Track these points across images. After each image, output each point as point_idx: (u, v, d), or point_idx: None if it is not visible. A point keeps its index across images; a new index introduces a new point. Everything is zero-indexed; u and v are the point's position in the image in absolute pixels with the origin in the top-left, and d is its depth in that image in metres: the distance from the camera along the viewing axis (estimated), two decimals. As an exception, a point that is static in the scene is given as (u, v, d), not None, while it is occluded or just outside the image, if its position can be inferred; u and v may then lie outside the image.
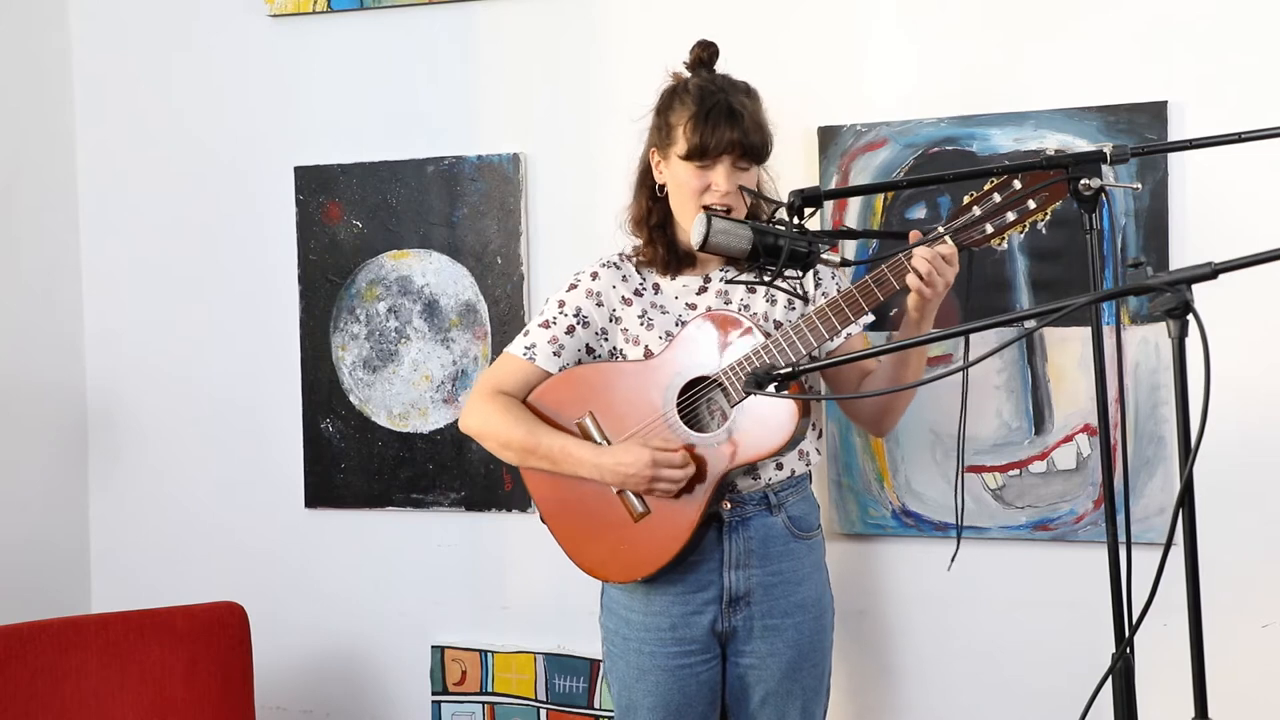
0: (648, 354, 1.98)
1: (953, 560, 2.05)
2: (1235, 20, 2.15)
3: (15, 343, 2.78)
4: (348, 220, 2.70)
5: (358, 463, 2.72)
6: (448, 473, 2.66)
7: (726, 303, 2.00)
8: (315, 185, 2.71)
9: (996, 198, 1.77)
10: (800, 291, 1.99)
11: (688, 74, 1.99)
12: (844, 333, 1.92)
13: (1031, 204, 1.75)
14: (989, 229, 1.79)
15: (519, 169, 2.57)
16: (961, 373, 1.95)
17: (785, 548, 1.98)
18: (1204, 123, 2.14)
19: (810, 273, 2.03)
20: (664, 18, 2.48)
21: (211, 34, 2.79)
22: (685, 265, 2.04)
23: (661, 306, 2.02)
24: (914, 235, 1.84)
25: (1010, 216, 1.77)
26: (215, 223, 2.81)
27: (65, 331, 2.89)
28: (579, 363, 2.03)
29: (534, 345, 2.02)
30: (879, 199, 2.35)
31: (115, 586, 2.91)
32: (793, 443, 1.90)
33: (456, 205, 2.62)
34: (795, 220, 1.78)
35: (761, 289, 1.99)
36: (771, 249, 1.77)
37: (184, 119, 2.82)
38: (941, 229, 1.80)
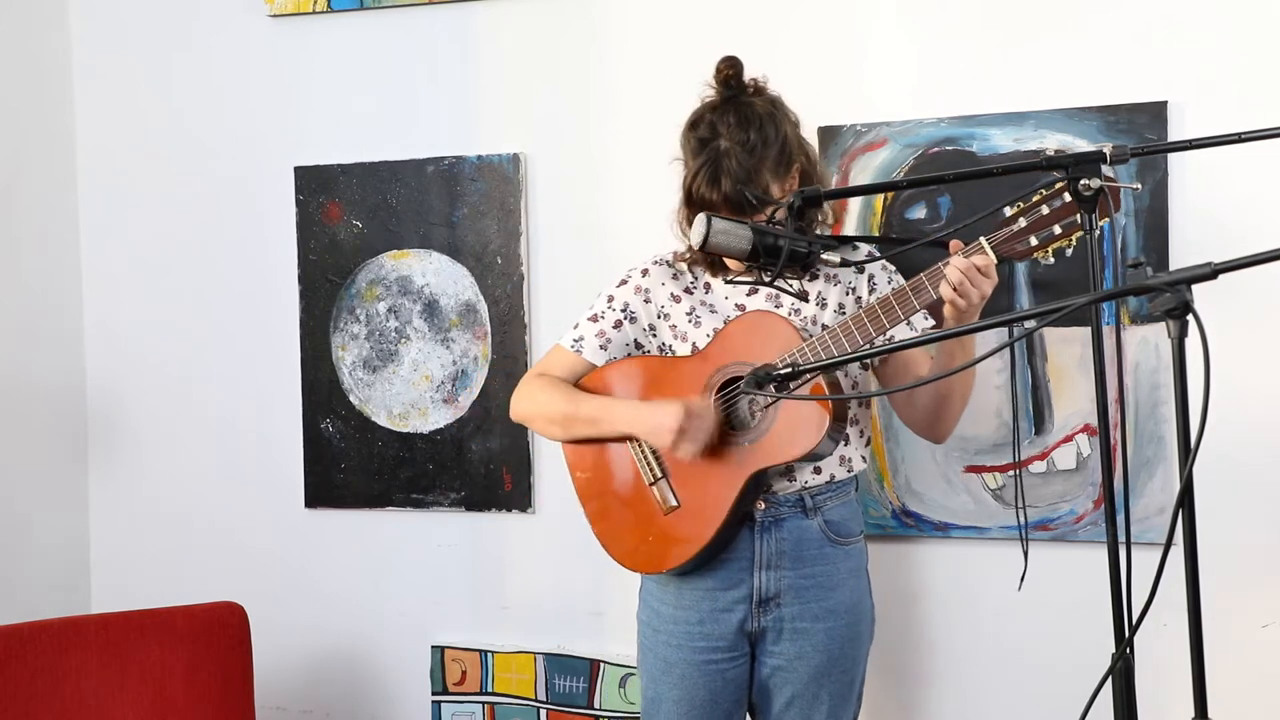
0: (694, 351, 2.00)
1: (1023, 575, 2.06)
2: (1235, 20, 2.15)
3: (15, 342, 2.77)
4: (348, 220, 2.70)
5: (358, 463, 2.72)
6: (448, 473, 2.65)
7: (777, 305, 2.00)
8: (315, 185, 2.71)
9: (1044, 209, 1.71)
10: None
11: (723, 90, 1.95)
12: (887, 338, 1.90)
13: (1078, 217, 1.67)
14: (1033, 241, 1.73)
15: (519, 169, 2.57)
16: (1009, 374, 1.96)
17: (819, 552, 1.98)
18: (1204, 123, 2.14)
19: (866, 277, 2.03)
20: (664, 18, 2.47)
21: (211, 34, 2.79)
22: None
23: (711, 305, 2.03)
24: (955, 245, 1.80)
25: (1057, 230, 1.71)
26: (215, 222, 2.81)
27: (65, 331, 2.89)
28: (627, 357, 2.06)
29: (581, 338, 2.06)
30: (879, 199, 2.35)
31: (115, 586, 2.91)
32: (824, 446, 1.89)
33: (456, 205, 2.62)
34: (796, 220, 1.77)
35: (815, 291, 1.99)
36: (771, 249, 1.77)
37: (184, 119, 2.82)
38: (983, 239, 1.75)
